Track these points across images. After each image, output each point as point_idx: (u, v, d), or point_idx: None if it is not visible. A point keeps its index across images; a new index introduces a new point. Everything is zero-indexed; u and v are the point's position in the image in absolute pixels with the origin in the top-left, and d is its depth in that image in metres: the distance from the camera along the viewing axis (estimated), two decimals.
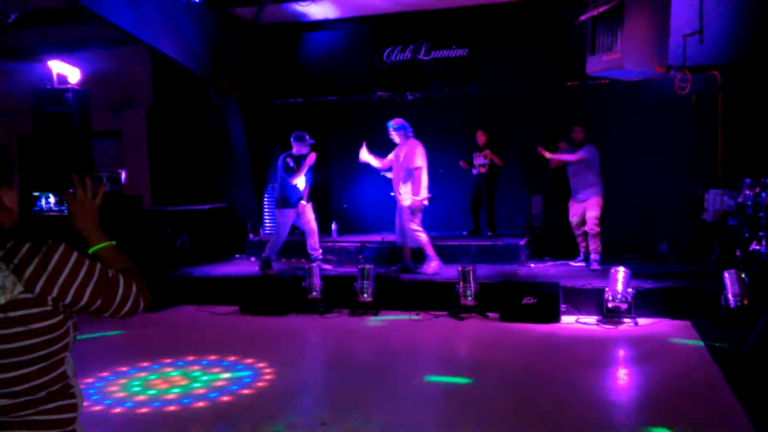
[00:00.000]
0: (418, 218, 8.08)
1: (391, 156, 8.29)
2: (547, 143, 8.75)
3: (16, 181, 1.74)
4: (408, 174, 8.03)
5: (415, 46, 10.37)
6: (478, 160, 9.74)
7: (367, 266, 7.56)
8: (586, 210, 8.23)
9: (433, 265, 8.14)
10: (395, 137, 8.14)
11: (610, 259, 8.26)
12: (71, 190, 1.93)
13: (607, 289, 6.86)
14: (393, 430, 4.26)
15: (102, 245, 1.93)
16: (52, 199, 2.09)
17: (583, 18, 7.58)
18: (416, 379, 5.30)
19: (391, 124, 8.16)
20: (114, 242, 1.95)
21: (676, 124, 9.30)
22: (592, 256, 8.25)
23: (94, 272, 1.72)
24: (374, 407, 4.68)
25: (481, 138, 9.75)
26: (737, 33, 9.03)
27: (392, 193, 8.38)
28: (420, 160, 7.98)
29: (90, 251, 1.91)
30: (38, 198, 2.07)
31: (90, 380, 5.31)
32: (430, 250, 8.17)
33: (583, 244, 8.53)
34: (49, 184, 2.09)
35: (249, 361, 5.83)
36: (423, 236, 8.12)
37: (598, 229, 8.14)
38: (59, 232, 1.97)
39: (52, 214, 2.07)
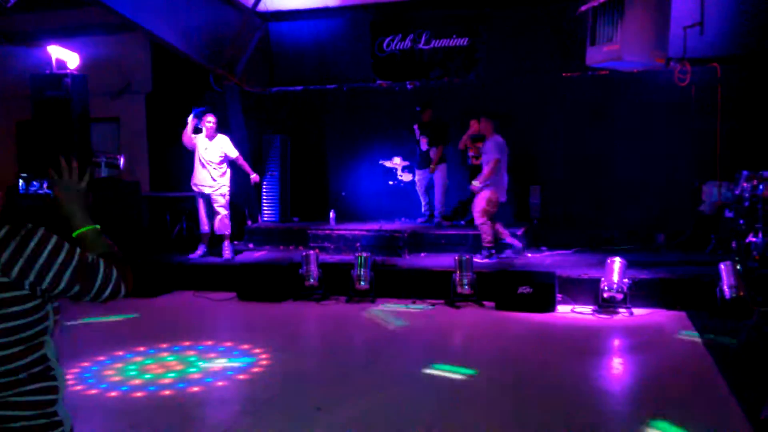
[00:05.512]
0: None
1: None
2: (547, 133, 8.68)
3: None
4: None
5: (415, 35, 10.33)
6: (472, 151, 9.64)
7: (365, 254, 7.57)
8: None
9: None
10: None
11: (606, 249, 8.29)
12: (56, 175, 1.89)
13: (603, 279, 6.88)
14: (388, 416, 4.29)
15: (86, 229, 1.90)
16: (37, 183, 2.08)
17: (583, 8, 7.55)
18: (412, 367, 5.33)
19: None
20: (98, 226, 1.92)
21: (675, 115, 9.27)
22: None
23: (73, 257, 1.71)
24: (369, 394, 4.71)
25: (474, 126, 9.33)
26: (738, 25, 8.99)
27: (391, 182, 8.26)
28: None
29: (74, 235, 1.89)
30: (25, 180, 2.06)
31: (86, 364, 5.34)
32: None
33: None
34: (40, 168, 2.08)
35: (245, 346, 5.86)
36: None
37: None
38: (46, 213, 1.95)
39: (39, 195, 2.06)
